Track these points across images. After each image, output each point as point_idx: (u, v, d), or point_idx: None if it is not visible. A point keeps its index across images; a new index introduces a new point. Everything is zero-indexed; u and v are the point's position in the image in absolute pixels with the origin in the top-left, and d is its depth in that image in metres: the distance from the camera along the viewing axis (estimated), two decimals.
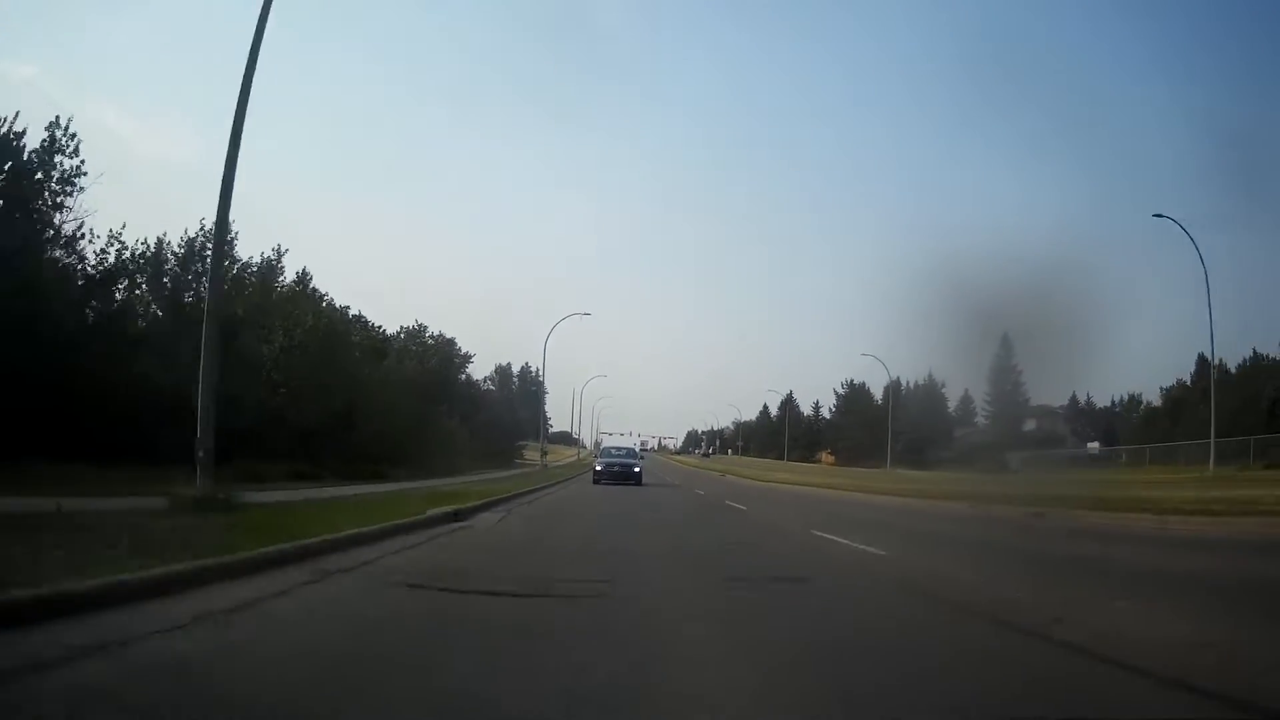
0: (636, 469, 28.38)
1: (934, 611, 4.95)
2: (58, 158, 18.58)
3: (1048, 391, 66.63)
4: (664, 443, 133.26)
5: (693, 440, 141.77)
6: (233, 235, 29.15)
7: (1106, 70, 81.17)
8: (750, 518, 14.37)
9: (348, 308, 36.49)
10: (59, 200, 18.89)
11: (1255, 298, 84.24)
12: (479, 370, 76.65)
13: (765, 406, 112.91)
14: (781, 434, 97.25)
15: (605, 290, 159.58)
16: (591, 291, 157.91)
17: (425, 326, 55.27)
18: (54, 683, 2.69)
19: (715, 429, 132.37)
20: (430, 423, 38.03)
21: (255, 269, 29.34)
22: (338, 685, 2.87)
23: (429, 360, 51.12)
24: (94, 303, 20.86)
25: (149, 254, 26.58)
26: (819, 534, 10.21)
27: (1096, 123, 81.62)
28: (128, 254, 22.45)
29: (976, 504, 15.61)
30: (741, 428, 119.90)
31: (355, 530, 6.82)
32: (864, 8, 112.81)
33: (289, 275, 32.17)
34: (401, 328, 52.56)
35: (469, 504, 11.21)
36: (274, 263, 31.93)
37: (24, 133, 17.77)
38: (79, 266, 20.18)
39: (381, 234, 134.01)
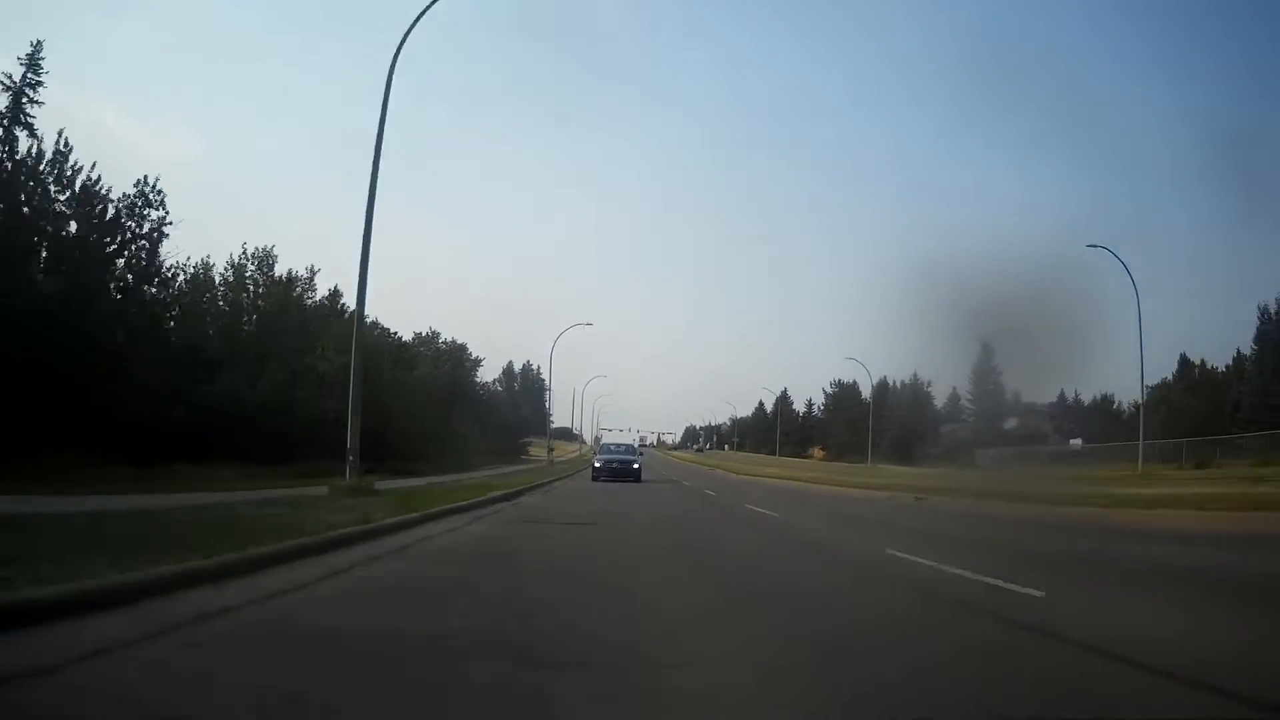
0: (635, 465, 28.03)
1: (787, 541, 9.21)
2: (148, 210, 22.86)
3: (1039, 389, 68.46)
4: (663, 438, 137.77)
5: (690, 436, 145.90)
6: (270, 248, 33.74)
7: (1106, 70, 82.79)
8: (713, 499, 19.30)
9: (380, 324, 40.73)
10: (151, 247, 23.14)
11: (1255, 298, 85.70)
12: (485, 370, 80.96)
13: (761, 403, 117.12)
14: (776, 430, 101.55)
15: (605, 289, 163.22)
16: (592, 290, 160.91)
17: (438, 333, 59.76)
18: (378, 569, 6.69)
19: (713, 425, 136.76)
20: (449, 425, 42.14)
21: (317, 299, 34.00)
22: (515, 552, 6.98)
23: (442, 365, 55.42)
24: (174, 336, 25.00)
25: (205, 279, 31.08)
26: (750, 507, 14.76)
27: (1097, 122, 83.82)
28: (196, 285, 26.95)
29: (890, 492, 19.79)
30: (737, 424, 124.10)
31: (459, 503, 11.01)
32: (864, 7, 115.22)
33: (320, 290, 36.56)
34: (416, 334, 56.85)
35: (512, 489, 15.48)
36: (308, 280, 36.26)
37: (99, 179, 21.40)
38: (173, 306, 24.52)
39: (380, 233, 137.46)
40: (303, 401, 25.92)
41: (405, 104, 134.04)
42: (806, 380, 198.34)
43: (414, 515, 9.06)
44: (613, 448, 34.43)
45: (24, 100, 20.62)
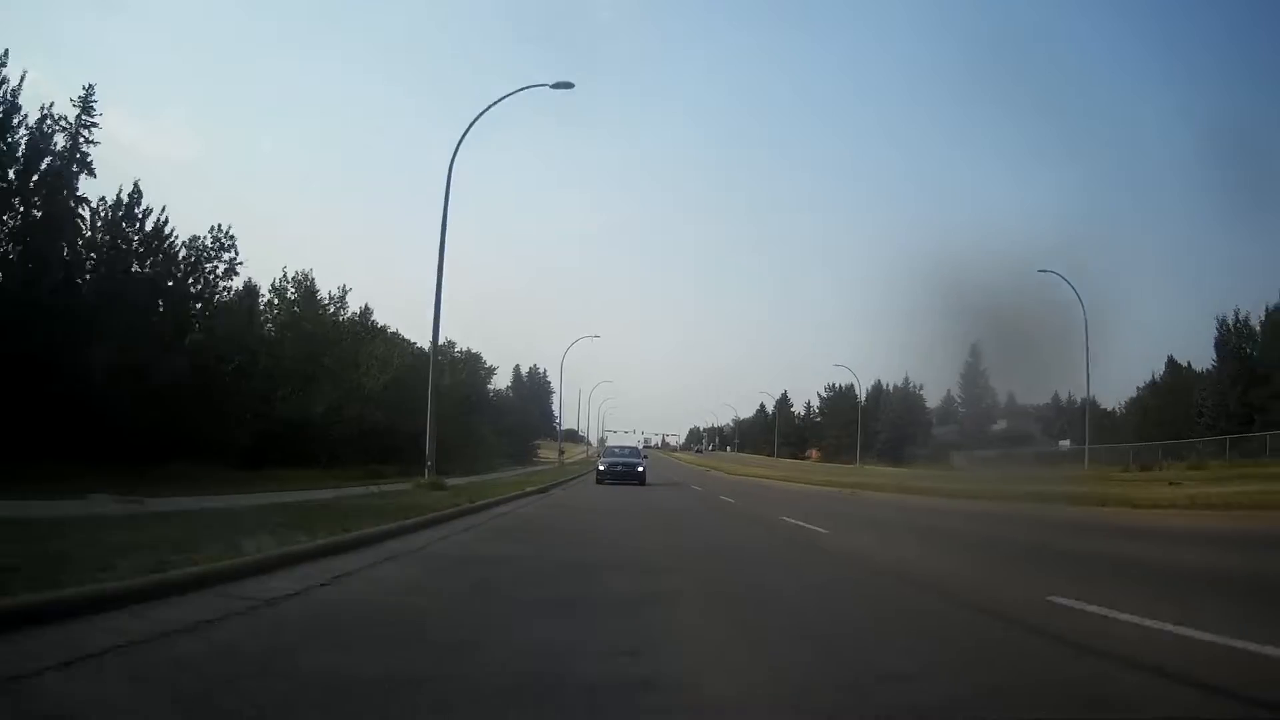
0: (640, 469, 28.34)
1: (724, 512, 13.30)
2: (224, 254, 26.88)
3: (1032, 392, 70.11)
4: (667, 440, 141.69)
5: (694, 437, 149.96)
6: (309, 272, 37.86)
7: (1107, 70, 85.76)
8: (695, 490, 23.79)
9: (401, 335, 44.69)
10: (226, 284, 27.27)
11: (1257, 297, 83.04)
12: (497, 377, 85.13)
13: (762, 405, 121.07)
14: (775, 432, 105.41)
15: (609, 290, 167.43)
16: (596, 291, 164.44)
17: (454, 343, 63.90)
18: (482, 531, 10.62)
19: (715, 426, 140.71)
20: (472, 430, 46.13)
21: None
22: (561, 521, 10.94)
23: (460, 374, 59.46)
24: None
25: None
26: (722, 498, 18.88)
27: (1092, 116, 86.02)
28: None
29: (837, 488, 23.76)
30: (739, 425, 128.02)
31: (508, 495, 14.97)
32: (865, 8, 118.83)
33: (351, 307, 40.68)
34: (446, 341, 61.11)
35: (543, 486, 19.43)
36: (340, 299, 40.37)
37: (166, 218, 24.55)
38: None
39: (382, 231, 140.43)
40: (350, 415, 30.02)
41: (403, 101, 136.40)
42: (810, 381, 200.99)
43: (482, 502, 12.92)
44: (617, 450, 34.24)
45: (80, 140, 22.31)
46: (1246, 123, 60.19)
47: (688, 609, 4.93)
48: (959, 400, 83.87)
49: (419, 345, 52.09)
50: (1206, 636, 3.80)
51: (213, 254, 26.49)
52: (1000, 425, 75.35)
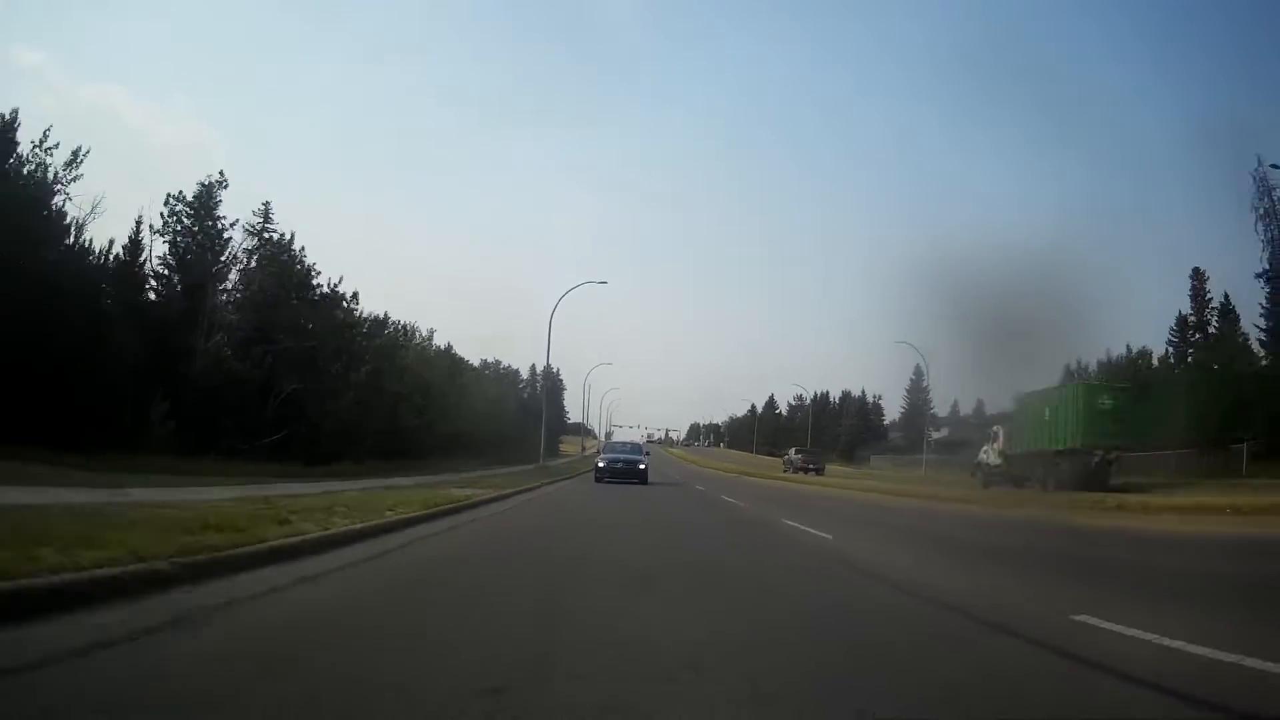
0: (642, 465, 28.87)
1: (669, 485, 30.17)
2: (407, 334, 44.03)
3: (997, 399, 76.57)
4: (670, 434, 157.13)
5: (693, 433, 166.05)
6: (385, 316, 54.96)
7: (1107, 70, 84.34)
8: (664, 471, 40.01)
9: (477, 365, 61.90)
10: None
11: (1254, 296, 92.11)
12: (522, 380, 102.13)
13: (753, 405, 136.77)
14: (760, 431, 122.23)
15: (615, 291, 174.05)
16: (603, 293, 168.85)
17: (499, 361, 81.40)
18: (582, 484, 27.44)
19: (713, 423, 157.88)
20: (527, 430, 63.13)
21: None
22: (590, 495, 27.81)
23: (504, 385, 76.99)
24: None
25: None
26: (666, 470, 35.71)
27: (1090, 108, 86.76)
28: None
29: (762, 478, 40.60)
30: (733, 423, 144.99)
31: (580, 472, 31.81)
32: (867, 7, 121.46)
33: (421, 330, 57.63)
34: (483, 361, 78.16)
35: (587, 469, 36.23)
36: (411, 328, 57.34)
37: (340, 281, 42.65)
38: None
39: (382, 226, 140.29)
40: (428, 423, 46.04)
41: (405, 99, 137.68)
42: (804, 379, 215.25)
43: (575, 475, 29.57)
44: (619, 446, 34.25)
45: (262, 239, 36.15)
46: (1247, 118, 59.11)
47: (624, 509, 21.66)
48: (903, 410, 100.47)
49: (467, 359, 69.39)
50: (906, 561, 9.14)
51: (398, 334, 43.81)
52: (943, 433, 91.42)
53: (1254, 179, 35.69)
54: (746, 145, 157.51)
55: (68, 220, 21.92)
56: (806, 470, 52.11)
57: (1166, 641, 3.93)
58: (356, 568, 6.02)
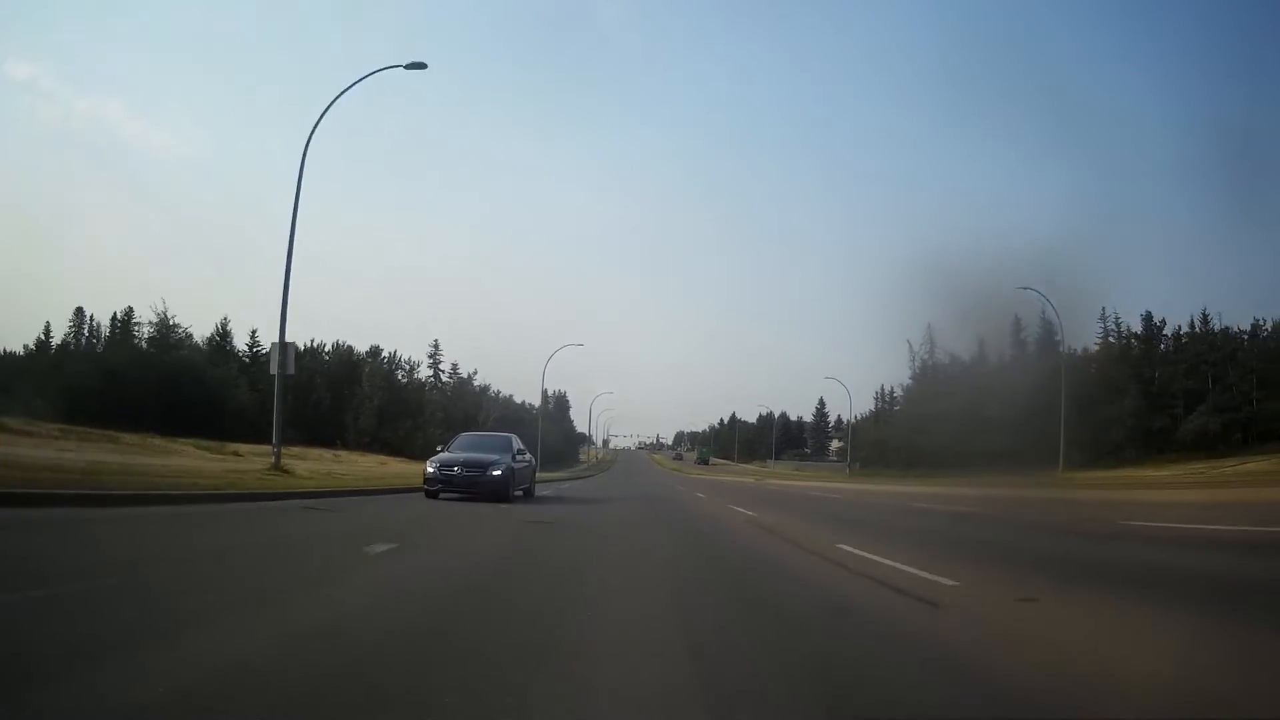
0: (496, 472, 15.70)
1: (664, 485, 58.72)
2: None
3: None
4: (661, 441, 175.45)
5: (679, 440, 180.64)
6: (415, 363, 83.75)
7: (1107, 70, 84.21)
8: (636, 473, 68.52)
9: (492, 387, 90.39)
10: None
11: (1257, 298, 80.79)
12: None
13: (735, 414, 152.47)
14: (734, 440, 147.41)
15: (608, 297, 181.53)
16: (598, 300, 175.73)
17: (533, 405, 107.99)
18: (617, 470, 55.86)
19: (699, 432, 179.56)
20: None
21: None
22: (611, 480, 56.20)
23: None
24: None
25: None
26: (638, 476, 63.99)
27: (1095, 122, 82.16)
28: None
29: (716, 475, 68.77)
30: (714, 432, 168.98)
31: (607, 467, 60.30)
32: (869, 7, 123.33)
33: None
34: (524, 402, 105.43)
35: (613, 463, 64.70)
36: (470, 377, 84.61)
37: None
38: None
39: (385, 233, 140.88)
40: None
41: (404, 101, 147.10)
42: (789, 389, 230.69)
43: (607, 469, 57.56)
44: (469, 442, 18.04)
45: (436, 363, 69.70)
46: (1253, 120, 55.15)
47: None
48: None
49: (511, 395, 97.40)
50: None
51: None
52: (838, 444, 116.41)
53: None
54: (750, 147, 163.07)
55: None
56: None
57: (878, 558, 7.12)
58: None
